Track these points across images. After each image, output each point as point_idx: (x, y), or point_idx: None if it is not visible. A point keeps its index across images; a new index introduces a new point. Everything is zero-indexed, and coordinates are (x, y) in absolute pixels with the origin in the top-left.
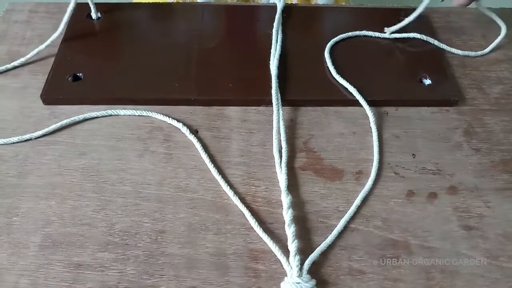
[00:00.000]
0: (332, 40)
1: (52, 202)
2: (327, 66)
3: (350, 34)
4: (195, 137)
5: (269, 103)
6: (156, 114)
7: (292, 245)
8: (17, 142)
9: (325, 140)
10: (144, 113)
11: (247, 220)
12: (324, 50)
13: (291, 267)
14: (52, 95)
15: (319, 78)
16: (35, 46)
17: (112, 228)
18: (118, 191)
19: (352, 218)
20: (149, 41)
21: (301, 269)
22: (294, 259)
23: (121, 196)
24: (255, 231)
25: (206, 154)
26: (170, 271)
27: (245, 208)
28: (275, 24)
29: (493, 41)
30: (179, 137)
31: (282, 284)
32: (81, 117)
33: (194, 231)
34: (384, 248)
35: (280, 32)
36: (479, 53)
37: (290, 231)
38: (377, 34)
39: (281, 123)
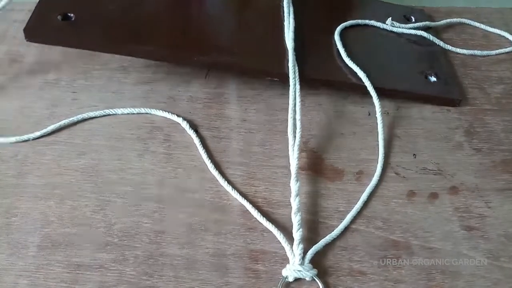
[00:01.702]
0: (342, 24)
1: (51, 202)
2: (337, 49)
3: (359, 21)
4: (194, 132)
5: (276, 76)
6: (155, 111)
7: (297, 233)
8: (17, 142)
9: (325, 140)
10: (143, 111)
11: (247, 220)
12: (333, 33)
13: (294, 255)
14: (37, 31)
15: (329, 60)
16: (35, 46)
17: (111, 229)
18: (118, 191)
19: (353, 219)
20: None
21: (303, 257)
22: (298, 247)
23: (120, 196)
24: (255, 231)
25: (206, 153)
26: (170, 272)
27: (246, 201)
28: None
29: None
30: (179, 137)
31: (283, 270)
32: (79, 117)
33: (194, 232)
34: (385, 249)
35: (291, 4)
36: (485, 52)
37: (296, 219)
38: (384, 25)
39: (298, 99)
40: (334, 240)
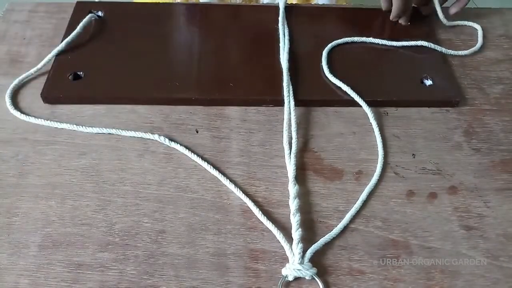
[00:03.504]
0: (331, 44)
1: (52, 202)
2: (322, 66)
3: (350, 39)
4: (175, 143)
5: (270, 103)
6: (126, 132)
7: (296, 233)
8: (17, 142)
9: (325, 140)
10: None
11: (247, 219)
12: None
13: (294, 254)
14: (53, 94)
15: (320, 79)
16: (35, 46)
17: (112, 228)
18: (118, 191)
19: (352, 218)
20: (150, 40)
21: (303, 257)
22: (297, 247)
23: (121, 196)
24: (255, 231)
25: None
26: (170, 271)
27: (248, 199)
28: (280, 19)
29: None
30: (178, 139)
31: (283, 270)
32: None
33: (194, 231)
34: (384, 248)
35: (286, 26)
36: (394, 43)
37: (295, 219)
38: (379, 41)
39: (292, 113)
40: (333, 240)
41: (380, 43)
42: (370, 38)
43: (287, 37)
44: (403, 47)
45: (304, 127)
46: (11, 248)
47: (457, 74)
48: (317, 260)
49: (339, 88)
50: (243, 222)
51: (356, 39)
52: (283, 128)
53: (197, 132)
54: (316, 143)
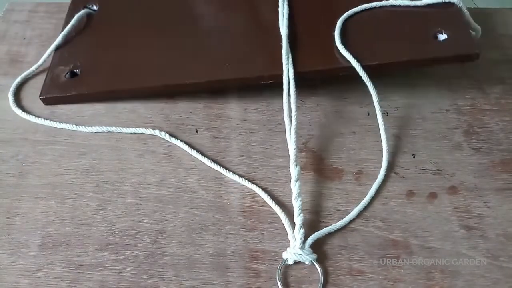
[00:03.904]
0: (346, 13)
1: (52, 202)
2: (334, 35)
3: (369, 5)
4: (176, 139)
5: (268, 79)
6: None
7: (298, 218)
8: (17, 142)
9: (325, 140)
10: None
11: (247, 219)
12: (334, 24)
13: (295, 239)
14: (51, 94)
15: (324, 49)
16: (35, 46)
17: (112, 228)
18: (118, 191)
19: (355, 216)
20: (144, 31)
21: (304, 242)
22: (299, 232)
23: (121, 196)
24: (255, 230)
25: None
26: (170, 271)
27: (252, 184)
28: None
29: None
30: (179, 137)
31: (284, 253)
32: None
33: (194, 231)
34: (384, 248)
35: None
36: (418, 3)
37: (297, 204)
38: (400, 2)
39: (292, 82)
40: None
41: (402, 4)
42: (390, 1)
43: (286, 1)
44: (417, 7)
45: (304, 127)
46: (11, 248)
47: (457, 74)
48: (317, 250)
49: (346, 59)
50: (243, 222)
51: (374, 4)
52: (282, 102)
53: (197, 132)
54: (316, 143)
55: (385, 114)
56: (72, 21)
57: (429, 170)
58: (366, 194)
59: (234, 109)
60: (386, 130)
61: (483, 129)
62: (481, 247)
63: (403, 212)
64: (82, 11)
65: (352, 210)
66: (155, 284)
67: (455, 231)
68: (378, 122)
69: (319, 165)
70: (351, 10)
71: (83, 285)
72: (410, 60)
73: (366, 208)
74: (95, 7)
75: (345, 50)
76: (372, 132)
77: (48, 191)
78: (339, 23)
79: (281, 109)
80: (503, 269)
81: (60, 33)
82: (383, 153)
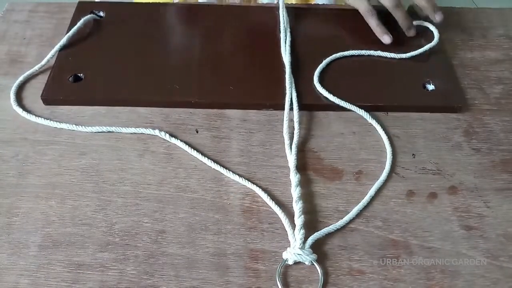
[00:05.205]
0: (329, 58)
1: (52, 202)
2: (314, 74)
3: (357, 52)
4: (176, 139)
5: (269, 107)
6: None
7: (299, 220)
8: (17, 142)
9: (325, 140)
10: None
11: (247, 219)
12: (323, 58)
13: (295, 239)
14: (53, 95)
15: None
16: (35, 46)
17: (112, 228)
18: (118, 191)
19: (352, 218)
20: (150, 42)
21: (304, 242)
22: (299, 232)
23: (121, 196)
24: (255, 230)
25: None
26: (170, 271)
27: (252, 184)
28: (281, 11)
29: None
30: (179, 137)
31: (284, 253)
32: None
33: (194, 231)
34: (384, 248)
35: (287, 22)
36: (403, 55)
37: (297, 206)
38: (387, 54)
39: (295, 104)
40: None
41: (389, 56)
42: (378, 52)
43: (288, 29)
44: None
45: (304, 127)
46: (11, 248)
47: (457, 74)
48: (317, 250)
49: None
50: (243, 222)
51: (363, 52)
52: (283, 122)
53: (197, 132)
54: (316, 143)
55: (385, 114)
56: (78, 24)
57: (429, 170)
58: (366, 194)
59: (234, 110)
60: (386, 130)
61: (483, 129)
62: (481, 247)
63: (403, 212)
64: (89, 16)
65: (352, 210)
66: (155, 284)
67: (455, 231)
68: (378, 122)
69: (319, 165)
70: (338, 53)
71: (83, 285)
72: (402, 106)
73: (366, 208)
74: (101, 13)
75: (323, 89)
76: (372, 132)
77: (48, 191)
78: (323, 63)
79: (281, 111)
80: (503, 269)
81: (66, 34)
82: (387, 153)
